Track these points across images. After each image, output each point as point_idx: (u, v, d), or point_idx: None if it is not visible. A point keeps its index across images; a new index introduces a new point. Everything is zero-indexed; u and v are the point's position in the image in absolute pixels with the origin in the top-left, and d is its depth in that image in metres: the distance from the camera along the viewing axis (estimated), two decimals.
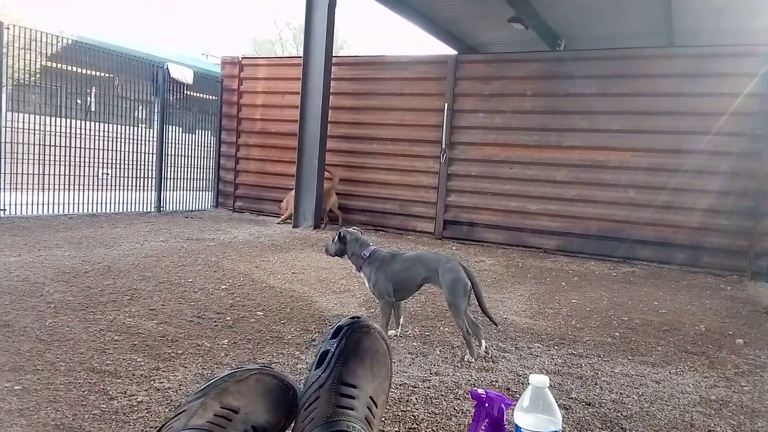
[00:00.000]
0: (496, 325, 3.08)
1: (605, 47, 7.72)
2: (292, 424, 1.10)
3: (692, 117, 6.14)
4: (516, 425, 1.28)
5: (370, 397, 1.10)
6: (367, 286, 3.05)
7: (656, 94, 6.30)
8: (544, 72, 6.95)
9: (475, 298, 2.85)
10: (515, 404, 1.32)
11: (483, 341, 2.85)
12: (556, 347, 3.05)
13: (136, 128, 8.18)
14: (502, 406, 1.31)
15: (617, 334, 3.41)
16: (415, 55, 7.80)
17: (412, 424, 1.97)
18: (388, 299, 2.93)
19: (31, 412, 1.85)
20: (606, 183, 6.54)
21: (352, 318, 1.20)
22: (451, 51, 11.30)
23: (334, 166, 7.79)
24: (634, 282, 5.29)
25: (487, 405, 1.30)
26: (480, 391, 1.32)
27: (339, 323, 1.19)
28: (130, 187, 7.87)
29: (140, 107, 8.56)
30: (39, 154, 6.79)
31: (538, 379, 1.28)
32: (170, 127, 8.30)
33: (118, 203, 7.62)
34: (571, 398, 2.32)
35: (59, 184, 7.02)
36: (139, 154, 7.98)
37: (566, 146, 6.73)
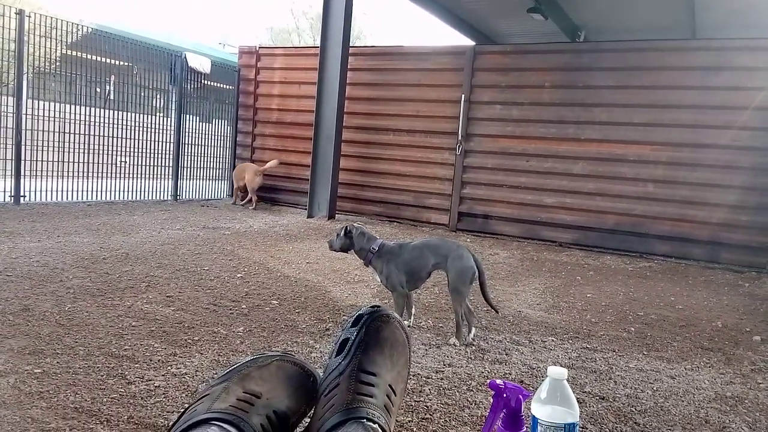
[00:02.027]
0: (496, 312, 3.11)
1: (626, 39, 7.62)
2: (312, 410, 1.11)
3: (713, 111, 6.05)
4: (533, 416, 1.28)
5: (389, 385, 1.10)
6: (378, 279, 3.05)
7: (677, 87, 6.21)
8: (563, 64, 6.87)
9: (479, 286, 2.87)
10: (533, 395, 1.32)
11: (473, 328, 2.89)
12: (571, 341, 3.04)
13: (153, 117, 8.23)
14: (520, 396, 1.31)
15: (633, 329, 3.39)
16: (433, 46, 7.76)
17: (426, 414, 1.98)
18: (402, 291, 2.94)
19: (50, 395, 1.88)
20: (624, 177, 6.48)
21: (372, 307, 1.21)
22: (468, 42, 11.21)
23: (349, 157, 7.79)
24: (651, 277, 5.25)
25: (505, 395, 1.30)
26: (498, 381, 1.32)
27: (359, 312, 1.20)
28: (147, 176, 7.94)
29: (158, 96, 8.62)
30: (58, 141, 6.87)
31: (557, 371, 1.28)
32: (187, 116, 8.36)
33: (136, 191, 7.69)
34: (585, 392, 2.31)
35: (78, 172, 7.10)
36: (156, 142, 8.03)
37: (584, 139, 6.67)
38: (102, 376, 2.07)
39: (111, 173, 7.49)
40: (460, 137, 7.25)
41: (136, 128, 7.75)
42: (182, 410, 1.05)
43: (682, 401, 2.30)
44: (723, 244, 6.06)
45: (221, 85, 9.20)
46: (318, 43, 7.45)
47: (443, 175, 7.46)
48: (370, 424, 0.98)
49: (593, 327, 3.37)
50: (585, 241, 6.69)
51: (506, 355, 2.71)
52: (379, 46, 8.54)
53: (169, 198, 8.14)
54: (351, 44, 7.48)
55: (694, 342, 3.20)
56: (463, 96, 7.21)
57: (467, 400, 2.12)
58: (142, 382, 2.05)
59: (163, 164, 8.15)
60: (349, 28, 7.25)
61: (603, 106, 6.57)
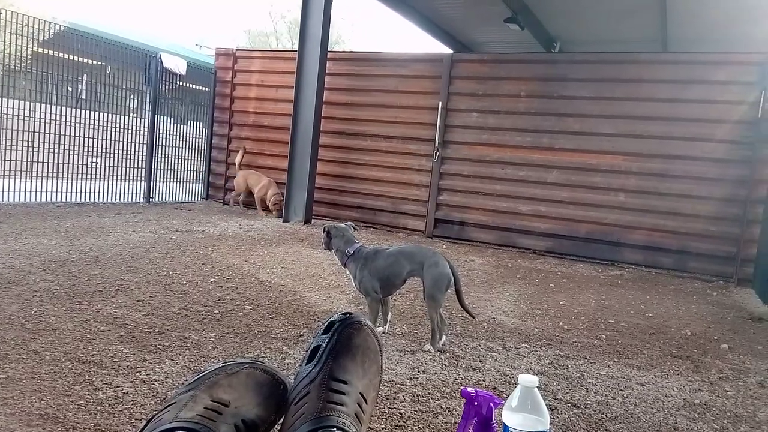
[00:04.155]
0: (473, 317, 3.13)
1: (600, 51, 7.76)
2: (282, 419, 1.09)
3: (684, 123, 6.18)
4: (504, 424, 1.28)
5: (361, 393, 1.10)
6: (353, 283, 3.05)
7: (649, 99, 6.34)
8: (538, 73, 6.96)
9: (455, 293, 2.88)
10: (504, 403, 1.32)
11: (444, 336, 2.90)
12: (543, 348, 3.07)
13: (126, 117, 8.10)
14: (491, 405, 1.31)
15: (604, 336, 3.43)
16: (411, 53, 7.79)
17: (399, 421, 1.97)
18: (375, 296, 2.93)
19: (15, 401, 1.83)
20: (597, 186, 6.58)
21: (344, 314, 1.20)
22: (446, 50, 11.30)
23: (326, 162, 7.77)
24: (622, 285, 5.33)
25: (476, 403, 1.31)
26: (470, 389, 1.33)
27: (331, 319, 1.19)
28: (119, 177, 7.79)
29: (131, 96, 8.49)
30: (28, 141, 6.71)
31: (528, 379, 1.29)
32: (161, 117, 8.24)
33: (107, 193, 7.54)
34: (557, 399, 2.33)
35: (47, 172, 6.95)
36: (129, 143, 7.90)
37: (558, 148, 6.75)
38: (68, 382, 2.02)
39: (82, 174, 7.33)
40: (437, 144, 7.28)
41: (109, 129, 7.60)
42: (148, 418, 1.03)
43: (652, 408, 2.33)
44: (692, 254, 6.19)
45: (197, 87, 9.11)
46: (296, 47, 7.42)
47: (420, 182, 7.49)
48: None
49: (566, 334, 3.40)
50: (559, 249, 6.76)
51: (480, 361, 2.72)
52: (357, 51, 8.55)
53: (142, 200, 8.00)
54: (329, 49, 7.47)
55: (663, 350, 3.25)
56: (440, 103, 7.25)
57: (441, 407, 2.12)
58: (109, 388, 2.00)
59: (135, 166, 8.02)
60: (328, 32, 7.24)
61: (577, 116, 6.67)
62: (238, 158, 8.24)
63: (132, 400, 1.92)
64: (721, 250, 6.05)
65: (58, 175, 7.04)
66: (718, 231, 6.07)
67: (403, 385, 2.32)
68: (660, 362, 3.00)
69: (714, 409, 2.39)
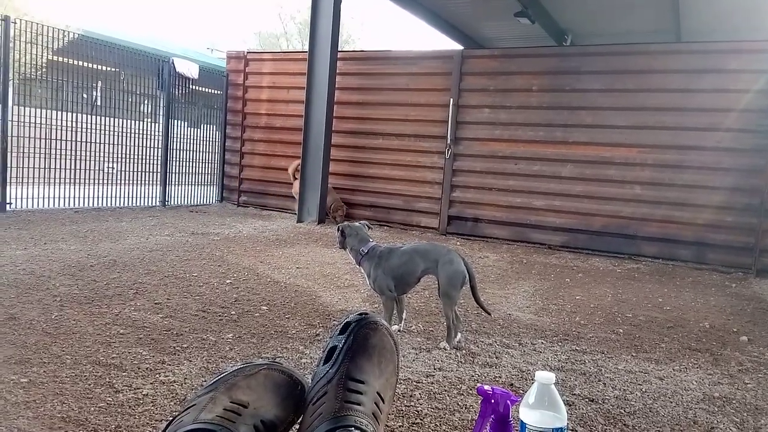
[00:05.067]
0: (489, 314, 3.12)
1: (612, 43, 7.69)
2: (300, 419, 1.11)
3: (699, 113, 6.11)
4: (521, 421, 1.28)
5: (378, 393, 1.11)
6: (368, 282, 3.06)
7: (663, 90, 6.27)
8: (550, 67, 6.92)
9: (470, 290, 2.88)
10: (521, 400, 1.32)
11: (460, 333, 2.89)
12: (560, 343, 3.05)
13: (141, 122, 8.18)
14: (508, 402, 1.31)
15: (621, 330, 3.41)
16: (421, 50, 7.79)
17: (416, 419, 1.98)
18: (390, 294, 2.94)
19: (37, 405, 1.86)
20: (611, 179, 6.52)
21: (360, 314, 1.21)
22: (456, 46, 11.25)
23: (338, 162, 7.79)
24: (639, 279, 5.28)
25: (493, 401, 1.31)
26: (486, 387, 1.33)
27: (347, 319, 1.20)
28: (135, 182, 7.88)
29: (145, 101, 8.57)
30: (45, 148, 6.81)
31: (544, 376, 1.29)
32: (175, 121, 8.31)
33: (124, 197, 7.64)
34: (575, 394, 2.32)
35: (65, 178, 7.04)
36: (144, 148, 7.98)
37: (572, 142, 6.71)
38: (89, 384, 2.05)
39: (98, 179, 7.43)
40: (449, 141, 7.27)
41: (124, 134, 7.70)
42: (168, 420, 1.04)
43: (671, 402, 2.32)
44: (709, 245, 6.11)
45: (209, 90, 9.17)
46: (306, 47, 7.45)
47: (433, 179, 7.48)
48: None
49: (582, 329, 3.39)
50: (574, 244, 6.72)
51: (496, 358, 2.72)
52: (367, 50, 8.55)
53: (158, 204, 8.09)
54: (339, 48, 7.48)
55: (682, 343, 3.22)
56: (451, 100, 7.24)
57: (458, 404, 2.13)
58: (129, 390, 2.03)
59: (151, 170, 8.10)
60: (338, 32, 7.26)
61: (590, 109, 6.62)
62: (291, 168, 7.78)
63: (152, 402, 1.95)
64: (739, 241, 5.98)
65: (75, 180, 7.14)
66: (736, 222, 6.00)
67: (419, 382, 2.32)
68: (678, 356, 2.98)
69: (734, 402, 2.37)
